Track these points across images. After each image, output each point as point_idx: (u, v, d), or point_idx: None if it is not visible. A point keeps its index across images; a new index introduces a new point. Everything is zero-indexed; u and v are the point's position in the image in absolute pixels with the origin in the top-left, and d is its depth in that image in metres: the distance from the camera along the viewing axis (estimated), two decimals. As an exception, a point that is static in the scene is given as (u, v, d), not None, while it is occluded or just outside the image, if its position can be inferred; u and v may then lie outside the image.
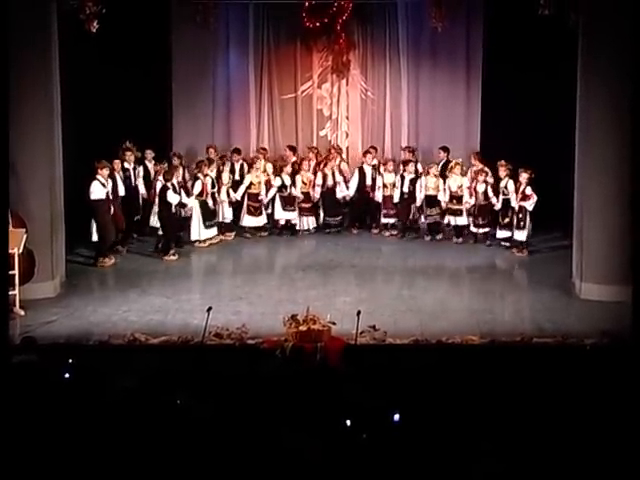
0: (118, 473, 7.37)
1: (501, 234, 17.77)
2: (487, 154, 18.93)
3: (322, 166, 19.27)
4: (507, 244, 17.67)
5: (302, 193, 18.97)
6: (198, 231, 18.09)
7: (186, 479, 7.36)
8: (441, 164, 18.89)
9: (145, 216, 18.39)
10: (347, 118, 20.33)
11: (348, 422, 7.98)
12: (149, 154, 18.64)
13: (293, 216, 19.11)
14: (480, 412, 8.40)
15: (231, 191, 18.82)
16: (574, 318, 14.02)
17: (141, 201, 18.54)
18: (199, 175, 18.11)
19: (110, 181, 16.95)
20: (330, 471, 7.22)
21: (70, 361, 10.04)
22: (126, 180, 18.02)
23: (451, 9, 18.42)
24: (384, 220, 19.04)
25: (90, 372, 9.76)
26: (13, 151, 12.89)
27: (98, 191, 16.57)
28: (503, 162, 17.58)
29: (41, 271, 14.70)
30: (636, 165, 14.41)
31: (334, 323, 12.50)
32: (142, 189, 18.50)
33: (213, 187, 18.37)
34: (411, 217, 18.85)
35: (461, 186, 18.20)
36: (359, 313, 11.59)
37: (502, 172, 17.62)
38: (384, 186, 18.82)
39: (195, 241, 18.08)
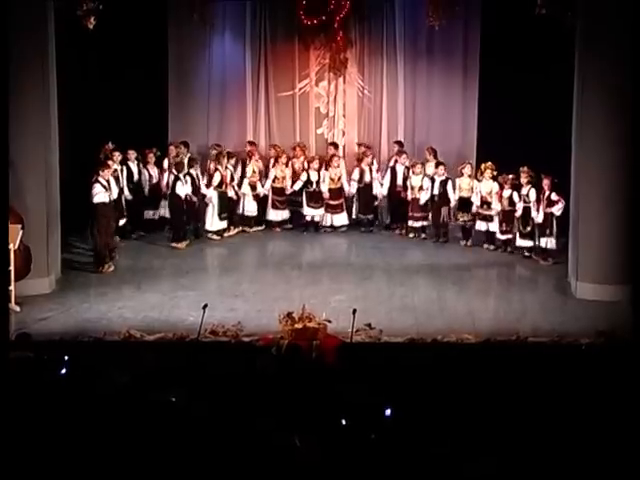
0: (112, 469, 7.36)
1: (522, 243, 17.04)
2: (484, 152, 18.95)
3: (359, 162, 19.22)
4: (527, 253, 16.96)
5: (329, 190, 18.98)
6: (211, 221, 18.44)
7: (181, 477, 7.35)
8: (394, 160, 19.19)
9: (133, 217, 18.33)
10: (344, 116, 20.29)
11: (343, 421, 7.98)
12: (131, 154, 18.37)
13: (318, 213, 19.17)
14: (475, 411, 8.39)
15: (258, 184, 19.03)
16: (570, 317, 14.04)
17: (124, 203, 18.05)
18: (218, 167, 18.45)
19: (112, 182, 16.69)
20: (326, 469, 7.21)
21: (65, 357, 10.03)
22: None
23: (448, 8, 18.35)
24: (410, 223, 18.69)
25: (85, 368, 9.74)
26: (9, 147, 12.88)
27: (100, 194, 16.17)
28: (526, 169, 16.89)
29: (36, 267, 14.70)
30: (632, 165, 14.45)
31: (330, 321, 12.52)
32: (127, 191, 18.21)
33: (233, 180, 18.70)
34: (442, 220, 18.32)
35: (490, 191, 17.52)
36: (355, 311, 11.61)
37: (524, 179, 16.94)
38: (411, 188, 18.53)
39: (208, 232, 18.38)
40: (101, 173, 16.29)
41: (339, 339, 12.15)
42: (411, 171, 18.60)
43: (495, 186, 17.46)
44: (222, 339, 12.89)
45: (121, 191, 17.75)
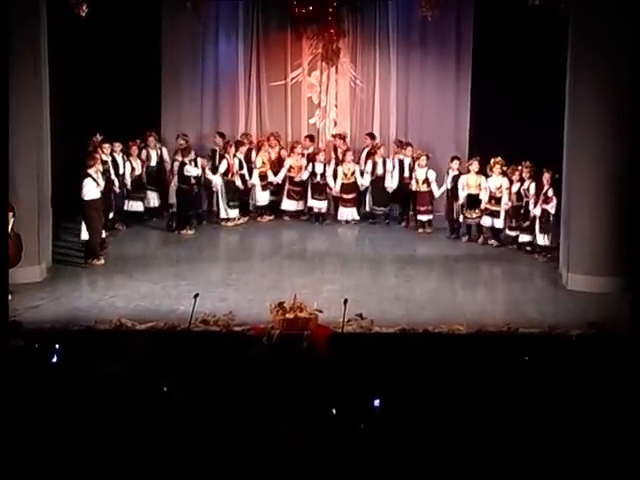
0: (103, 459, 7.35)
1: (523, 238, 16.89)
2: (476, 143, 18.98)
3: (372, 154, 19.08)
4: (528, 248, 16.77)
5: (343, 183, 18.94)
6: (224, 210, 18.75)
7: (172, 468, 7.35)
8: (366, 151, 19.23)
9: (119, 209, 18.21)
10: (336, 106, 20.29)
11: (334, 410, 7.98)
12: (117, 147, 18.12)
13: (322, 205, 19.18)
14: (466, 401, 8.41)
15: (270, 174, 19.14)
16: (561, 309, 14.06)
17: (113, 196, 17.85)
18: (226, 155, 18.63)
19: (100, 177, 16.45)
20: (318, 460, 7.22)
21: (56, 346, 10.02)
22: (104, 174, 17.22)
23: (441, -2, 18.40)
24: (420, 217, 18.50)
25: (76, 357, 9.74)
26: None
27: (92, 190, 15.96)
28: (528, 163, 16.71)
29: (28, 255, 14.66)
30: (623, 157, 14.47)
31: (321, 311, 12.51)
32: (116, 183, 17.97)
33: (241, 168, 18.82)
34: (454, 216, 18.07)
35: (500, 187, 17.17)
36: (346, 301, 11.62)
37: (526, 173, 16.73)
38: (416, 181, 18.34)
39: (223, 219, 18.74)
40: (93, 167, 16.09)
41: (330, 329, 12.16)
42: (416, 164, 18.42)
43: (505, 182, 17.15)
44: (213, 329, 12.88)
45: (112, 183, 17.62)
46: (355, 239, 18.40)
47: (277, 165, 19.29)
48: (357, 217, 19.20)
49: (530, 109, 18.14)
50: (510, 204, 17.02)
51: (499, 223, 17.33)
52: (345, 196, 19.07)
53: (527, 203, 16.68)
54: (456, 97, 19.90)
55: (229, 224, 18.73)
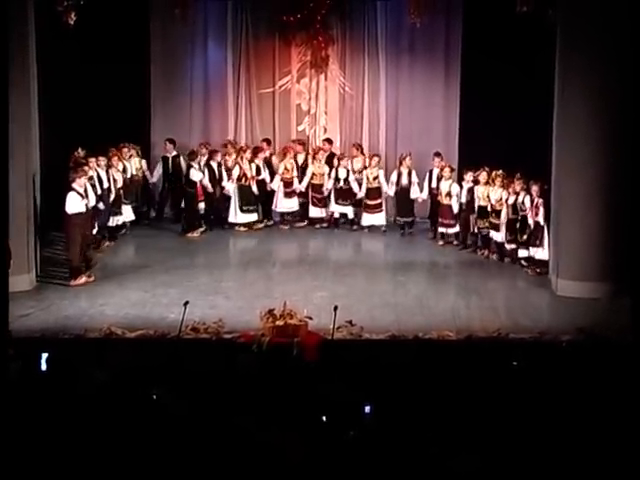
0: (93, 467, 7.34)
1: (521, 253, 16.41)
2: (465, 149, 19.02)
3: (399, 165, 18.88)
4: (526, 263, 16.28)
5: (368, 189, 18.87)
6: (234, 214, 18.91)
7: (162, 475, 7.34)
8: (325, 156, 19.33)
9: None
10: (325, 113, 20.35)
11: (324, 418, 7.98)
12: (102, 161, 17.48)
13: (346, 210, 19.18)
14: (456, 407, 8.41)
15: (295, 181, 19.19)
16: (550, 314, 14.09)
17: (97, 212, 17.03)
18: (239, 161, 18.82)
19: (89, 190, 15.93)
20: (308, 466, 7.22)
21: (46, 355, 10.00)
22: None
23: (430, 5, 18.44)
24: (441, 229, 18.15)
25: (66, 365, 9.71)
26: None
27: (76, 204, 15.32)
28: (518, 175, 16.38)
29: (17, 264, 14.61)
30: (612, 163, 14.50)
31: (311, 318, 12.51)
32: (102, 199, 17.09)
33: (259, 174, 18.98)
34: (471, 229, 17.70)
35: (500, 199, 16.76)
36: (336, 308, 11.62)
37: (517, 186, 16.35)
38: (440, 193, 17.99)
39: (234, 224, 18.91)
40: (77, 181, 15.42)
41: (320, 336, 12.16)
42: (442, 176, 18.06)
43: (505, 194, 16.71)
44: (203, 336, 12.86)
45: (98, 200, 16.76)
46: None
47: (301, 172, 19.36)
48: (383, 222, 19.02)
49: (519, 115, 18.20)
50: (507, 217, 16.60)
51: (499, 237, 16.89)
52: (369, 202, 18.95)
53: (523, 217, 16.23)
54: (445, 103, 19.97)
55: (241, 229, 18.88)
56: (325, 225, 19.40)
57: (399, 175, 18.67)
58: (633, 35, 14.22)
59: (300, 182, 19.22)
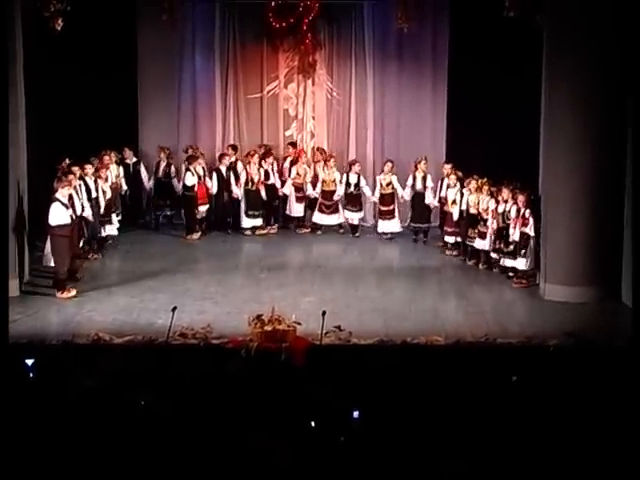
0: (81, 473, 7.33)
1: (506, 262, 16.02)
2: (453, 154, 19.01)
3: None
4: (511, 274, 15.94)
5: (381, 195, 18.77)
6: (241, 219, 19.12)
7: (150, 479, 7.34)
8: (288, 160, 19.51)
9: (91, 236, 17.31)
10: (313, 118, 20.34)
11: (312, 423, 7.99)
12: (88, 169, 17.15)
13: (355, 217, 19.19)
14: (444, 412, 8.42)
15: (309, 187, 19.31)
16: (538, 319, 14.09)
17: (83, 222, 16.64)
18: (246, 166, 19.00)
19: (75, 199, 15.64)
20: (298, 472, 7.22)
21: (33, 361, 9.98)
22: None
23: (417, 10, 18.48)
24: (446, 238, 17.83)
25: (53, 372, 9.70)
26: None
27: (60, 214, 14.93)
28: (506, 182, 16.03)
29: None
30: (599, 167, 14.54)
31: (299, 323, 12.51)
32: (87, 209, 16.55)
33: (267, 179, 19.10)
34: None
35: (487, 208, 16.47)
36: (324, 313, 11.63)
37: (506, 195, 15.96)
38: (446, 201, 17.74)
39: (243, 228, 19.14)
40: (61, 190, 15.02)
41: (308, 341, 12.16)
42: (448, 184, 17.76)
43: (492, 203, 16.42)
44: (191, 342, 12.84)
45: (83, 210, 16.29)
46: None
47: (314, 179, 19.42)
48: (398, 229, 18.91)
49: (507, 120, 18.20)
50: (496, 226, 16.22)
51: (485, 245, 16.60)
52: (383, 208, 18.87)
53: (508, 226, 15.91)
54: (432, 108, 19.97)
55: (247, 233, 19.02)
56: (342, 231, 19.32)
57: (414, 179, 18.57)
58: (618, 41, 14.28)
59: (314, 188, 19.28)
